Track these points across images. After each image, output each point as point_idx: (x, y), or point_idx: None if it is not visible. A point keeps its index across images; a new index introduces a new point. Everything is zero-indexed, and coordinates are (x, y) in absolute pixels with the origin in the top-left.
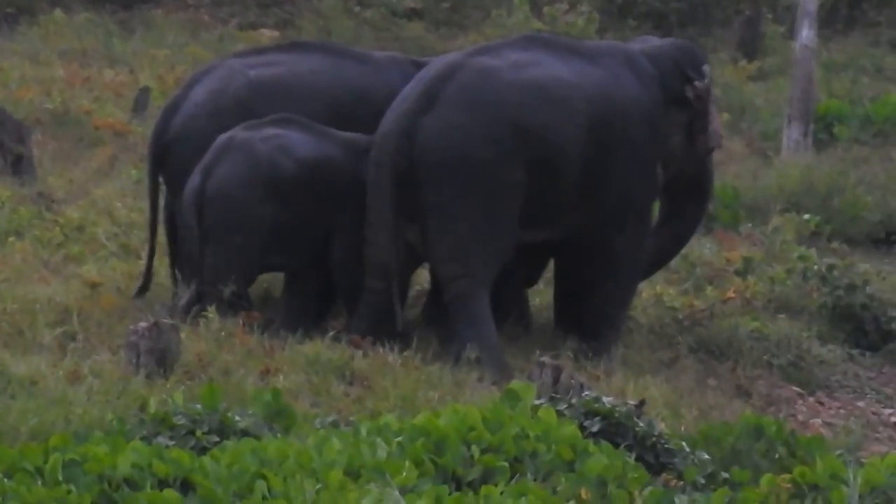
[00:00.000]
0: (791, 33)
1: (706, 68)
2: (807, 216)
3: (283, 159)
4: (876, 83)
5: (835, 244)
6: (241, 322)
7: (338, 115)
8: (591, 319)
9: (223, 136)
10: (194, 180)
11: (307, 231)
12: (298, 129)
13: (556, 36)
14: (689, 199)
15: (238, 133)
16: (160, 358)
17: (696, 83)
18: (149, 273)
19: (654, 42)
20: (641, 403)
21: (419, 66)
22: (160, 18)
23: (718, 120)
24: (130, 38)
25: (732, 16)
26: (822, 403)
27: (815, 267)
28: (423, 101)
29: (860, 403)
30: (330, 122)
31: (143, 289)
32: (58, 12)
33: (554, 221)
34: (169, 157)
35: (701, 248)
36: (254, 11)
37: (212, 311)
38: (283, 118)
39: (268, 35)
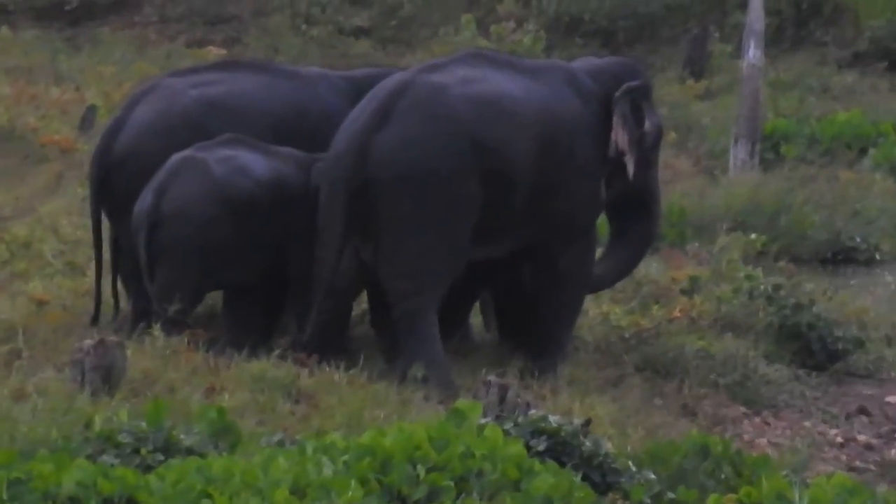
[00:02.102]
0: (738, 52)
1: (635, 82)
2: (753, 235)
3: (238, 179)
4: (823, 102)
5: (781, 263)
6: (186, 340)
7: (277, 131)
8: (537, 337)
9: (176, 157)
10: (146, 200)
11: (260, 249)
12: (250, 148)
13: (499, 53)
14: (636, 219)
15: (192, 153)
16: (105, 375)
17: (616, 93)
18: (98, 296)
19: (593, 61)
20: (588, 422)
21: (349, 80)
22: (107, 35)
23: (621, 130)
24: (77, 56)
25: (680, 34)
26: (768, 423)
27: (762, 286)
28: (377, 119)
29: (806, 423)
30: (269, 139)
31: (97, 312)
32: (4, 29)
33: (503, 237)
34: (113, 177)
35: (647, 266)
36: (201, 29)
37: (157, 329)
38: (233, 138)
39: (215, 52)
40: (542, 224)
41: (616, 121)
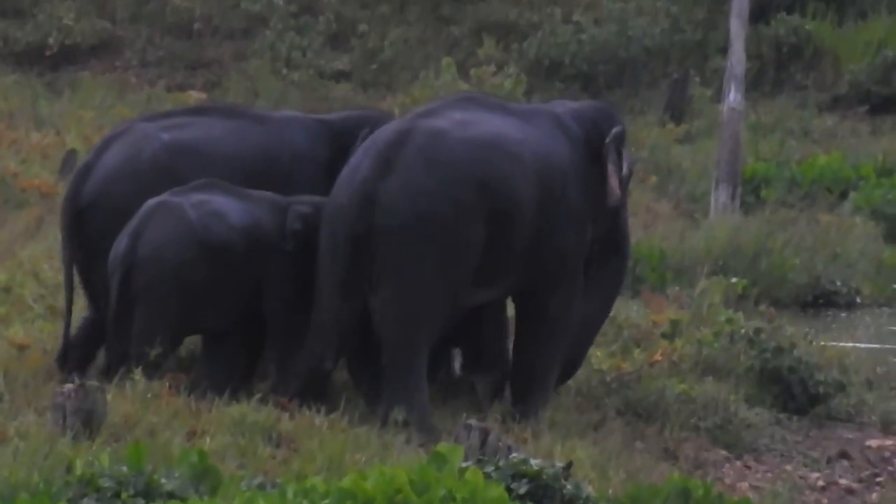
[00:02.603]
0: (718, 96)
1: (618, 127)
2: (734, 279)
3: (213, 223)
4: (803, 145)
5: (762, 307)
6: (167, 383)
7: (247, 176)
8: (520, 381)
9: (151, 201)
10: (121, 244)
11: (236, 293)
12: (225, 193)
13: (488, 96)
14: (608, 260)
15: (167, 198)
16: (86, 419)
17: (606, 140)
18: (67, 337)
19: (571, 105)
20: (569, 465)
21: (322, 123)
22: (87, 80)
23: (616, 177)
24: (57, 100)
25: (660, 78)
26: (749, 467)
27: (743, 330)
28: (380, 167)
29: (787, 467)
30: (240, 183)
31: (65, 353)
32: None
33: (500, 281)
34: (84, 222)
35: (628, 310)
36: (181, 73)
37: (137, 373)
38: (208, 183)
39: (195, 97)
40: (534, 267)
41: (611, 169)
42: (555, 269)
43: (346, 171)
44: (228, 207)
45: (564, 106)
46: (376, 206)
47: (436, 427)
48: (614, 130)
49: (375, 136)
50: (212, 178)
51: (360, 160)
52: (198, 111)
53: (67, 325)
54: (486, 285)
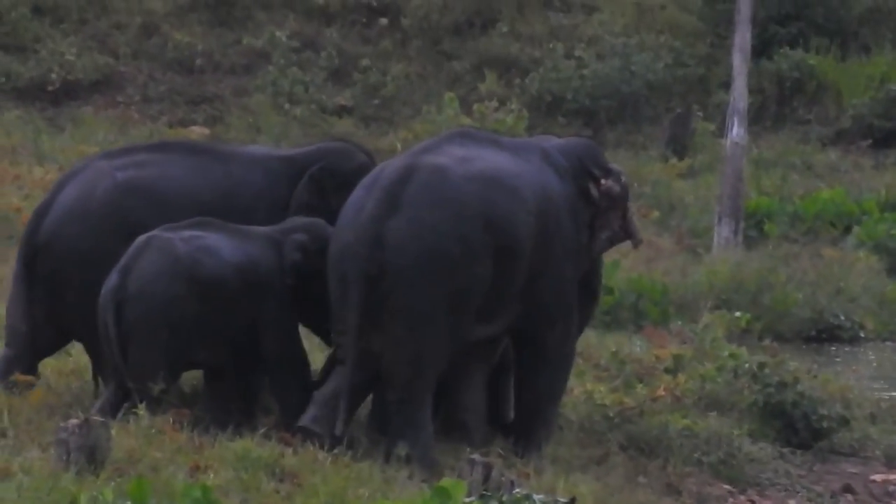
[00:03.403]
0: (721, 130)
1: (619, 170)
2: (737, 313)
3: (202, 259)
4: (806, 180)
5: (765, 342)
6: (170, 419)
7: (204, 216)
8: (523, 416)
9: (141, 238)
10: (112, 280)
11: (228, 329)
12: (216, 229)
13: (481, 131)
14: (580, 301)
15: (157, 233)
16: (90, 454)
17: (603, 181)
18: (16, 365)
19: (557, 140)
20: (572, 501)
21: (284, 160)
22: (89, 115)
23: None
24: (60, 136)
25: (662, 113)
26: (752, 501)
27: (746, 364)
28: (386, 206)
29: (791, 501)
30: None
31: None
32: None
33: (497, 317)
34: (40, 261)
35: (631, 345)
36: (183, 108)
37: (141, 409)
38: (202, 220)
39: (197, 132)
40: (532, 302)
41: (631, 210)
42: (552, 303)
43: (348, 210)
44: (219, 243)
45: (550, 141)
46: (385, 245)
47: (438, 463)
48: (617, 170)
49: (376, 174)
50: (206, 217)
51: (362, 198)
52: (160, 148)
53: (32, 357)
54: (486, 321)
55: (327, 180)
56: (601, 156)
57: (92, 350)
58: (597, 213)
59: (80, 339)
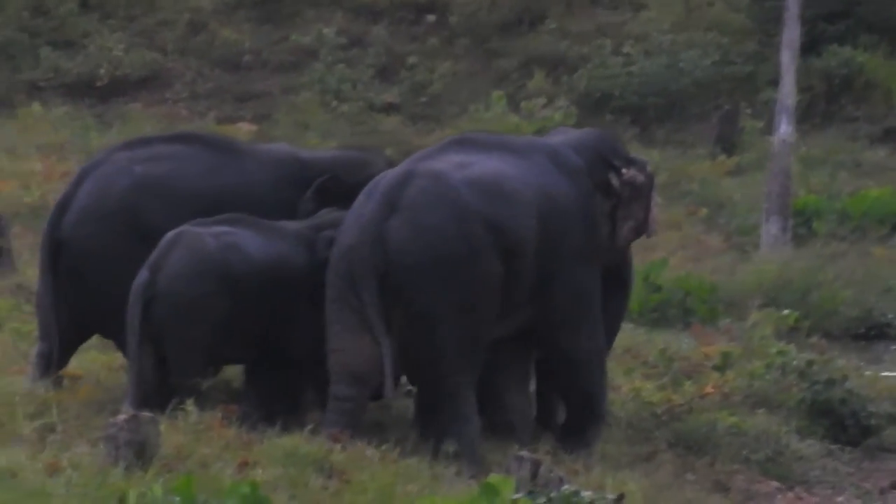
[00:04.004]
0: (768, 128)
1: (644, 160)
2: (785, 311)
3: (231, 255)
4: (854, 178)
5: (813, 339)
6: (219, 415)
7: (215, 214)
8: (572, 415)
9: (171, 233)
10: (142, 276)
11: (260, 325)
12: (248, 225)
13: (482, 135)
14: (612, 293)
15: (187, 228)
16: (139, 450)
17: (624, 171)
18: (51, 358)
19: (572, 133)
20: (620, 498)
21: (301, 163)
22: (137, 112)
23: (655, 209)
24: (108, 132)
25: (710, 111)
26: (800, 498)
27: (794, 362)
28: (385, 208)
29: (839, 499)
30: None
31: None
32: (36, 105)
33: (508, 316)
34: (61, 256)
35: (679, 343)
36: (230, 105)
37: (189, 404)
38: (233, 216)
39: (245, 129)
40: (547, 305)
41: (653, 200)
42: (568, 305)
43: (350, 215)
44: (249, 240)
45: (565, 135)
46: (388, 244)
47: (483, 459)
48: (648, 166)
49: (377, 181)
50: (237, 213)
51: (363, 203)
52: (179, 139)
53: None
54: (499, 320)
55: (334, 190)
56: (620, 146)
57: (121, 345)
58: (618, 203)
59: (103, 335)
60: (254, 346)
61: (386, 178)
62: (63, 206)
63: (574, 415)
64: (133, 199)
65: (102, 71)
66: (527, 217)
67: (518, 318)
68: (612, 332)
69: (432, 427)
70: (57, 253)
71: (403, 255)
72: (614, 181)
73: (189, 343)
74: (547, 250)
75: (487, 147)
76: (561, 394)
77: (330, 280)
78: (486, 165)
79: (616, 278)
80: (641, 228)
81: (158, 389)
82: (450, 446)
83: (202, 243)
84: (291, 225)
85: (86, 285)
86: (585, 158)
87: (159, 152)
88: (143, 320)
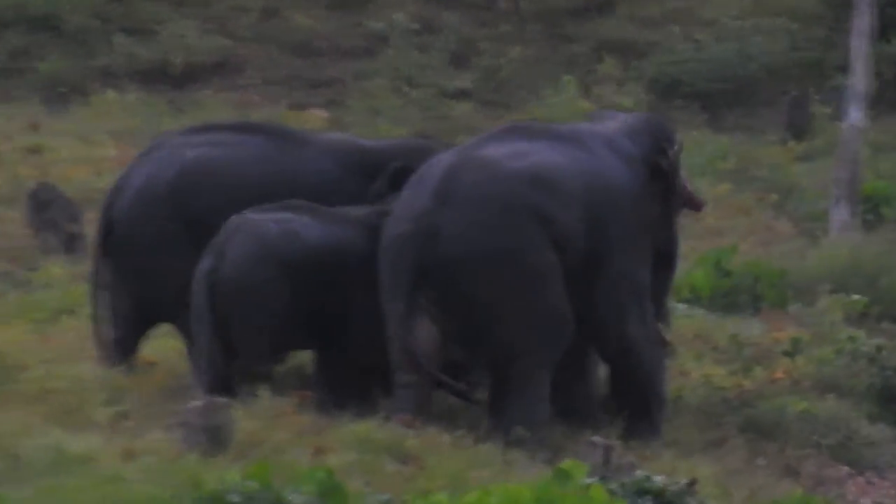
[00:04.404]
0: (837, 114)
1: (677, 137)
2: (855, 297)
3: (290, 242)
4: None
5: (884, 324)
6: (293, 401)
7: (264, 201)
8: (635, 402)
9: (234, 219)
10: (205, 262)
11: (321, 310)
12: (308, 212)
13: (533, 123)
14: (658, 271)
15: (248, 216)
16: (214, 436)
17: (669, 151)
18: (97, 337)
19: (623, 118)
20: (692, 483)
21: (365, 152)
22: (210, 98)
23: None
24: (180, 118)
25: (779, 96)
26: (871, 483)
27: (864, 348)
28: (436, 200)
29: None
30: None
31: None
32: (110, 92)
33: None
34: (113, 238)
35: (749, 328)
36: (303, 91)
37: (264, 390)
38: (294, 203)
39: (317, 115)
40: (600, 291)
41: (683, 180)
42: (621, 286)
43: (400, 205)
44: (308, 226)
45: (617, 121)
46: (439, 238)
47: (558, 445)
48: (677, 145)
49: (428, 169)
50: (299, 200)
51: (413, 193)
52: (241, 128)
53: (95, 324)
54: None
55: (406, 178)
56: (669, 128)
57: (180, 327)
58: (668, 183)
59: (155, 318)
60: (317, 331)
61: (435, 167)
62: (118, 188)
63: (635, 401)
64: (181, 184)
65: (175, 57)
66: (576, 208)
67: (574, 305)
68: (658, 309)
69: (502, 412)
70: (109, 234)
71: (454, 249)
72: (664, 163)
73: (253, 328)
74: (597, 238)
75: (539, 136)
76: (620, 380)
77: (382, 268)
78: (536, 155)
79: (663, 256)
80: (682, 201)
81: (226, 374)
82: (521, 432)
83: (264, 230)
84: (355, 211)
85: (133, 267)
86: (639, 144)
87: (214, 139)
88: (210, 307)
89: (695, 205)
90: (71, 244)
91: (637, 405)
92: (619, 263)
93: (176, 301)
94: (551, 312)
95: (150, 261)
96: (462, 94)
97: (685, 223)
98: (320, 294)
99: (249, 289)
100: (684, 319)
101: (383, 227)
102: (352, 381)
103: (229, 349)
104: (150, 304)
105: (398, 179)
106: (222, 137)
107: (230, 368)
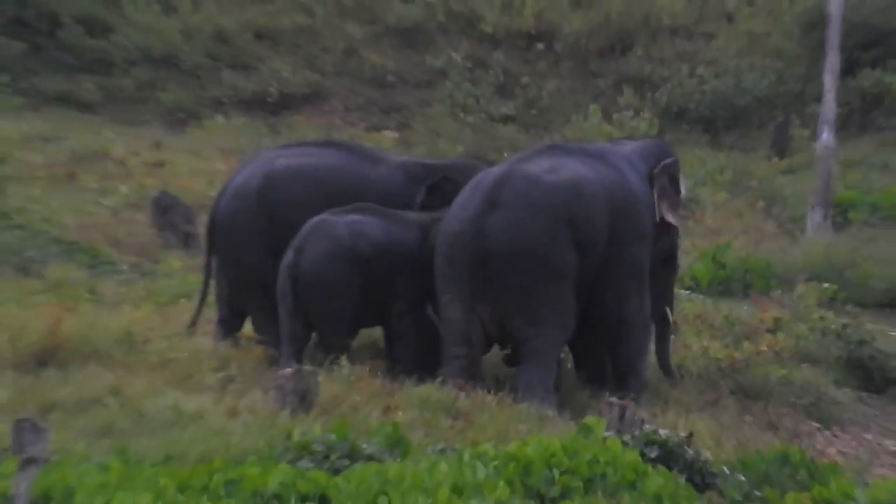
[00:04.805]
0: (814, 136)
1: (670, 159)
2: (826, 285)
3: (359, 240)
4: (883, 177)
5: (848, 307)
6: (367, 369)
7: (334, 204)
8: (618, 374)
9: (313, 220)
10: (288, 257)
11: (385, 295)
12: (375, 214)
13: (568, 143)
14: (665, 269)
15: (326, 217)
16: (302, 397)
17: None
18: (198, 315)
19: (636, 144)
20: (690, 435)
21: (428, 168)
22: (301, 122)
23: (665, 198)
24: (277, 138)
25: (767, 121)
26: (836, 436)
27: (832, 326)
28: (487, 205)
29: (867, 436)
30: (326, 209)
31: (193, 325)
32: (219, 117)
33: (581, 293)
34: (214, 234)
35: (740, 310)
36: (377, 116)
37: (343, 360)
38: (362, 205)
39: (388, 135)
40: (611, 280)
41: (656, 193)
42: (628, 276)
43: (456, 206)
44: (372, 226)
45: (631, 145)
46: (486, 236)
47: (579, 405)
48: (664, 162)
49: (481, 178)
50: (368, 203)
51: (468, 198)
52: (326, 144)
53: (201, 303)
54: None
55: (445, 188)
56: (670, 150)
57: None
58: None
59: (237, 300)
60: (383, 311)
61: (488, 176)
62: (221, 192)
63: (620, 372)
64: (267, 187)
65: (273, 89)
66: (600, 214)
67: (588, 294)
68: (667, 298)
69: (519, 379)
70: (212, 232)
71: (500, 245)
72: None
73: (329, 313)
74: (615, 237)
75: (574, 153)
76: (608, 351)
77: (437, 260)
78: (571, 170)
79: (668, 257)
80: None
81: (303, 348)
82: (533, 397)
83: (336, 231)
84: (414, 214)
85: (228, 257)
86: (648, 164)
87: (300, 152)
88: (293, 294)
89: (664, 222)
90: (187, 241)
91: (621, 375)
92: (629, 259)
93: (253, 288)
94: (564, 303)
95: (239, 251)
96: (507, 119)
97: (689, 226)
98: (383, 281)
99: (323, 282)
100: (687, 303)
101: (433, 228)
102: (414, 353)
103: (309, 328)
104: (240, 291)
105: (438, 190)
106: (307, 151)
107: (307, 344)
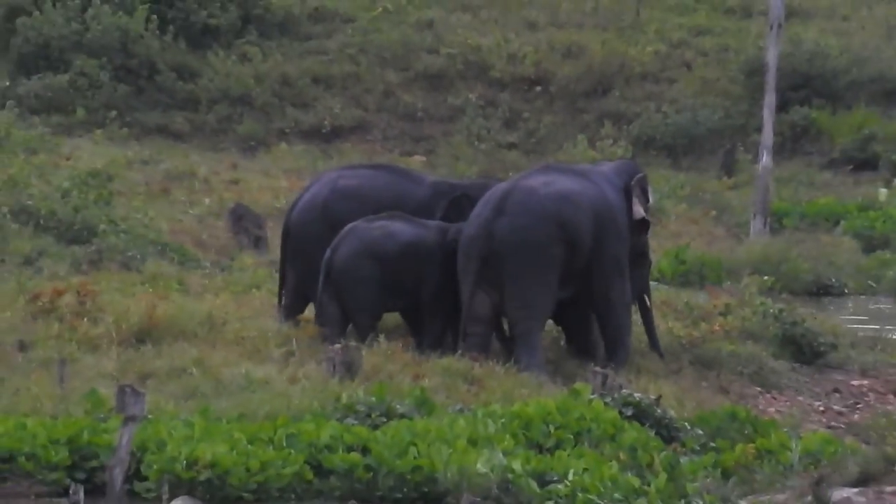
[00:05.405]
0: (755, 159)
1: (640, 174)
2: (765, 277)
3: (385, 242)
4: (809, 192)
5: (784, 295)
6: (400, 345)
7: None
8: (609, 346)
9: (349, 225)
10: (327, 255)
11: (407, 285)
12: (402, 220)
13: (560, 163)
14: (640, 265)
15: (359, 222)
16: (348, 367)
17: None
18: (280, 303)
19: (612, 164)
20: (659, 398)
21: (453, 186)
22: (349, 148)
23: (639, 204)
24: (329, 161)
25: (717, 148)
26: (775, 398)
27: (771, 310)
28: (495, 212)
29: (800, 398)
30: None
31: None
32: (283, 144)
33: (570, 285)
34: (288, 238)
35: (697, 297)
36: (409, 144)
37: (381, 338)
38: (391, 213)
39: (418, 159)
40: (596, 270)
41: (634, 199)
42: (610, 270)
43: (472, 216)
44: (398, 230)
45: (608, 165)
46: (494, 237)
47: (569, 373)
48: (637, 176)
49: (492, 192)
50: (397, 212)
51: (482, 208)
52: (377, 167)
53: (280, 295)
54: (563, 287)
55: (462, 203)
56: (639, 168)
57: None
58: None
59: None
60: (406, 299)
61: (497, 190)
62: (293, 205)
63: (610, 346)
64: (330, 201)
65: (326, 122)
66: (586, 219)
67: (576, 286)
68: (644, 288)
69: (517, 349)
70: (286, 236)
71: (504, 244)
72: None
73: (359, 302)
74: (598, 237)
75: (563, 172)
76: (599, 328)
77: (458, 257)
78: (562, 184)
79: (641, 256)
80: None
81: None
82: (527, 369)
83: (367, 233)
84: (433, 222)
85: (297, 256)
86: (623, 179)
87: (356, 173)
88: (326, 284)
89: (638, 223)
90: (257, 243)
91: (611, 348)
92: (611, 254)
93: (316, 281)
94: (549, 290)
95: (305, 252)
96: (512, 146)
97: (656, 231)
98: (403, 274)
99: (354, 276)
100: (655, 292)
101: (451, 233)
102: (435, 333)
103: (343, 312)
104: (304, 280)
105: (457, 204)
106: (361, 172)
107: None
